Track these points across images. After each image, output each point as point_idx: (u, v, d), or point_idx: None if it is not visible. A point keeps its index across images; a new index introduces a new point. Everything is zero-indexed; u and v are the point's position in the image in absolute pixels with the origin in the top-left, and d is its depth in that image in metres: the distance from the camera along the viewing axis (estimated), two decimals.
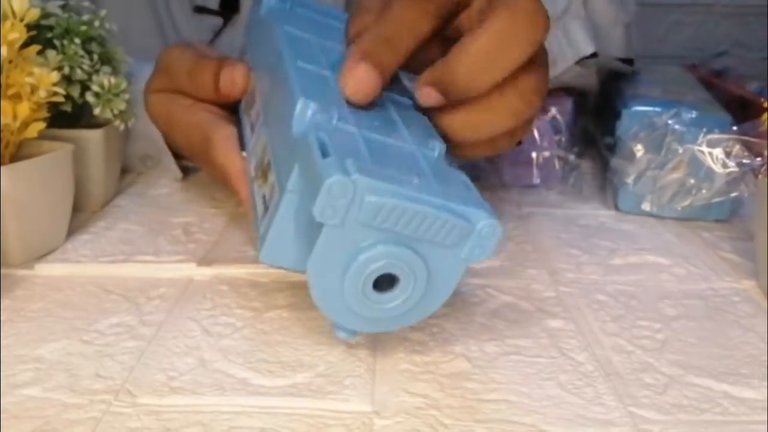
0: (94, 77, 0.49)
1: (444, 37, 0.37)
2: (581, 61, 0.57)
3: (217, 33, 0.70)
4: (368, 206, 0.29)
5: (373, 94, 0.35)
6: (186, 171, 0.60)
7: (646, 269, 0.47)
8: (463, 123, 0.37)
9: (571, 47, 0.56)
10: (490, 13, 0.35)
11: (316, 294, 0.32)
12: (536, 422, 0.31)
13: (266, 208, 0.35)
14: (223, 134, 0.40)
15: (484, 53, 0.34)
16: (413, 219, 0.30)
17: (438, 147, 0.35)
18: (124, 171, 0.60)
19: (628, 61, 0.63)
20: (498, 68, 0.35)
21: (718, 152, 0.52)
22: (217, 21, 0.70)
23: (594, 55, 0.57)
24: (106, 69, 0.51)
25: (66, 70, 0.48)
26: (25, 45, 0.43)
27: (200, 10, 0.70)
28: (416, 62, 0.36)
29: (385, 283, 0.31)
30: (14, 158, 0.44)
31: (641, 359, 0.37)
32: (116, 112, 0.50)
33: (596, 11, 0.59)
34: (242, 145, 0.41)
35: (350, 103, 0.35)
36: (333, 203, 0.29)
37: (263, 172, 0.37)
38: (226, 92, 0.41)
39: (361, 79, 0.34)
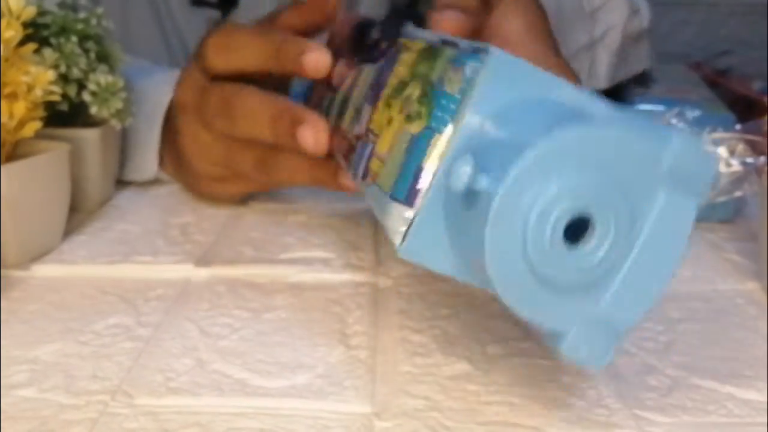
0: (91, 76, 0.49)
1: None
2: None
3: (216, 26, 0.70)
4: None
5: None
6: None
7: None
8: None
9: (590, 79, 0.57)
10: None
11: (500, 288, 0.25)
12: (539, 425, 0.31)
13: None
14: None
15: None
16: None
17: None
18: None
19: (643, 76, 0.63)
20: None
21: (722, 151, 0.51)
22: (216, 14, 0.70)
23: None
24: (103, 67, 0.50)
25: (62, 68, 0.48)
26: (22, 43, 0.42)
27: (198, 2, 0.70)
28: None
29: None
30: (10, 158, 0.44)
31: (645, 361, 0.36)
32: (113, 111, 0.50)
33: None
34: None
35: None
36: None
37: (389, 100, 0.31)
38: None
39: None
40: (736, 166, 0.51)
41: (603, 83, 0.58)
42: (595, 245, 0.25)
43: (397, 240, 0.28)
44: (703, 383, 0.35)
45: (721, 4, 0.99)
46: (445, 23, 0.38)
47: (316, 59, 0.40)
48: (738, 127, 0.52)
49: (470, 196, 0.25)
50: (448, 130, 0.27)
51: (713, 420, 0.32)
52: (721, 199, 0.52)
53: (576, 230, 0.25)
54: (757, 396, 0.34)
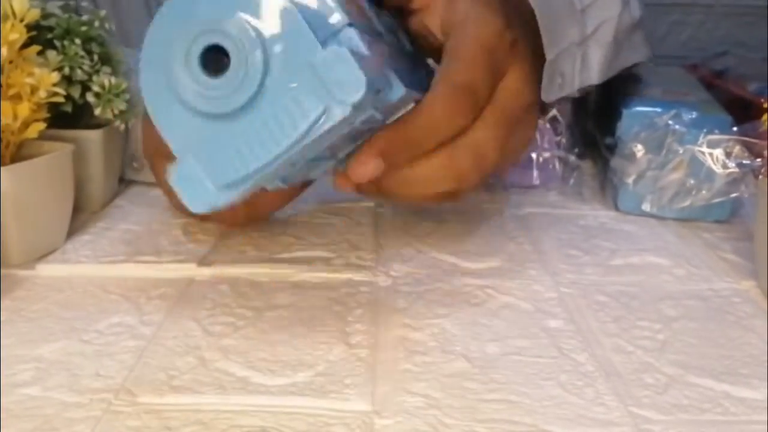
0: (95, 77, 0.49)
1: None
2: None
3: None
4: None
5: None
6: None
7: (647, 270, 0.47)
8: (399, 180, 0.37)
9: (582, 74, 0.57)
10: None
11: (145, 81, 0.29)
12: (537, 422, 0.31)
13: None
14: None
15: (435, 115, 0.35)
16: None
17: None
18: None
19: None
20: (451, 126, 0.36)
21: (719, 153, 0.51)
22: None
23: None
24: (107, 69, 0.51)
25: (66, 70, 0.48)
26: (26, 45, 0.43)
27: None
28: None
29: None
30: (15, 159, 0.44)
31: (642, 359, 0.36)
32: (116, 112, 0.50)
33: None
34: None
35: None
36: None
37: None
38: None
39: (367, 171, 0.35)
40: (732, 167, 0.51)
41: (596, 77, 0.57)
42: (229, 76, 0.28)
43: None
44: (699, 381, 0.35)
45: (718, 5, 0.99)
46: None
47: None
48: (735, 129, 0.52)
49: None
50: None
51: (709, 418, 0.32)
52: (718, 199, 0.53)
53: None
54: (753, 394, 0.34)
